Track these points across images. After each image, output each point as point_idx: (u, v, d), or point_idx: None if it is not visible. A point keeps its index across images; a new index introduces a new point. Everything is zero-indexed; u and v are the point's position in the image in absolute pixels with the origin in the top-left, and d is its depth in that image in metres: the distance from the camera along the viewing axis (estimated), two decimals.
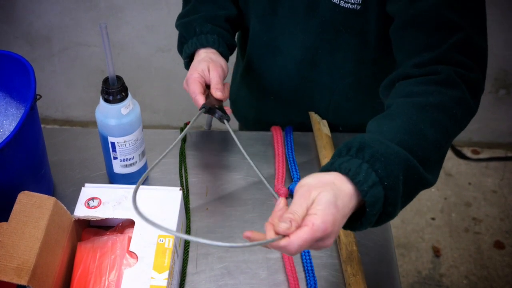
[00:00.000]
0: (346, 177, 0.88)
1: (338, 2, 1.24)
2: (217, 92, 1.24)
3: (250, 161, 1.12)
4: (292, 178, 1.33)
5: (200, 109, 1.22)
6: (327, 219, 0.84)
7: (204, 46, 1.33)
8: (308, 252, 1.20)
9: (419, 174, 0.93)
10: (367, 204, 0.88)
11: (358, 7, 1.22)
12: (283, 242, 0.84)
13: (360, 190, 0.87)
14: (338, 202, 0.85)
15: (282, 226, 0.84)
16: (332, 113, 1.45)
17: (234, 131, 1.21)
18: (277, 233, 0.85)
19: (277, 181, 1.32)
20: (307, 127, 1.45)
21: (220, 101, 1.26)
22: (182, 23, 1.39)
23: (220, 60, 1.32)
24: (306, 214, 0.85)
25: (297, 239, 0.83)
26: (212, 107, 1.22)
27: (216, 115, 1.23)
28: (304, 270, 1.18)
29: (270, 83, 1.48)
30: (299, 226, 0.84)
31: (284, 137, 1.41)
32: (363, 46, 1.31)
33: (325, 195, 0.85)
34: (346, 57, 1.34)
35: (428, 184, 0.96)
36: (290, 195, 1.31)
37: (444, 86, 1.03)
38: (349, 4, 1.23)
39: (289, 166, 1.35)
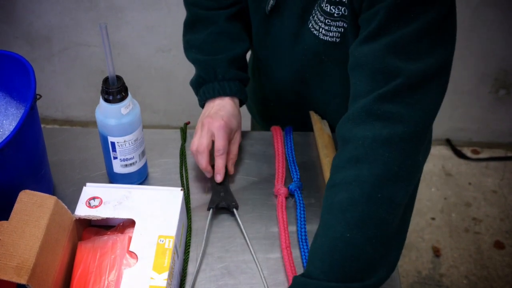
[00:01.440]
0: None
1: (317, 34, 1.24)
2: (217, 176, 1.30)
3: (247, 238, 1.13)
4: (292, 178, 1.33)
5: (208, 210, 1.27)
6: None
7: (227, 94, 1.33)
8: (308, 251, 1.20)
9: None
10: None
11: (337, 39, 1.22)
12: None
13: None
14: None
15: None
16: (331, 121, 1.44)
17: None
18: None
19: (277, 181, 1.32)
20: (309, 127, 1.45)
21: (225, 184, 1.32)
22: (200, 61, 1.37)
23: (235, 115, 1.33)
24: None
25: None
26: (218, 203, 1.27)
27: (225, 205, 1.28)
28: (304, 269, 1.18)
29: (270, 92, 1.51)
30: None
31: (284, 137, 1.41)
32: (345, 73, 1.15)
33: None
34: (332, 81, 1.34)
35: (384, 279, 1.03)
36: (290, 195, 1.31)
37: (389, 119, 1.02)
38: (327, 37, 1.23)
39: (289, 166, 1.36)
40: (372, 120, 1.02)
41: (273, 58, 1.41)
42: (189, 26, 1.42)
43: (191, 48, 1.40)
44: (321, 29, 1.22)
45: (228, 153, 1.31)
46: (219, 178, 1.29)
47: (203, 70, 1.35)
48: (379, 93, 1.02)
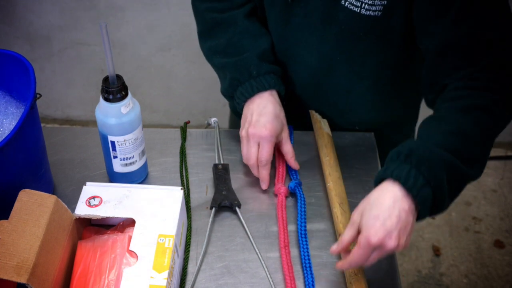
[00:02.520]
0: (396, 182, 1.02)
1: (359, 11, 1.21)
2: (262, 184, 1.31)
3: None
4: (291, 177, 1.33)
5: (211, 208, 1.27)
6: (369, 233, 1.00)
7: (266, 89, 1.31)
8: (307, 249, 1.20)
9: (462, 172, 1.05)
10: (418, 203, 1.02)
11: (379, 13, 1.20)
12: (344, 262, 1.06)
13: (411, 193, 1.01)
14: (376, 212, 1.01)
15: (333, 247, 1.09)
16: (348, 113, 1.43)
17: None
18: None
19: (277, 180, 1.32)
20: (308, 126, 1.45)
21: (227, 183, 1.32)
22: (229, 64, 1.34)
23: (277, 114, 1.30)
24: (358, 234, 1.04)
25: (353, 256, 1.03)
26: (221, 201, 1.28)
27: (227, 203, 1.28)
28: (302, 268, 1.18)
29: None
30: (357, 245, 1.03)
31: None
32: (383, 51, 1.29)
33: (365, 215, 1.03)
34: (364, 62, 1.32)
35: (472, 178, 1.08)
36: (290, 193, 1.31)
37: (484, 90, 1.11)
38: (370, 12, 1.20)
39: (288, 166, 1.35)
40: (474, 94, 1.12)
41: (294, 50, 1.37)
42: (207, 33, 1.41)
43: (215, 54, 1.38)
44: (363, 4, 1.20)
45: (285, 154, 1.32)
46: (264, 186, 1.31)
47: (236, 71, 1.32)
48: (487, 61, 1.13)
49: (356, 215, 1.05)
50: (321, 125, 1.40)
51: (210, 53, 1.39)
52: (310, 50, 1.34)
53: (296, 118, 1.44)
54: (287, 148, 1.32)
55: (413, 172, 1.01)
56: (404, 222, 1.01)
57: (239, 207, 1.27)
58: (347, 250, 1.07)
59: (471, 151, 1.06)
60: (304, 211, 1.27)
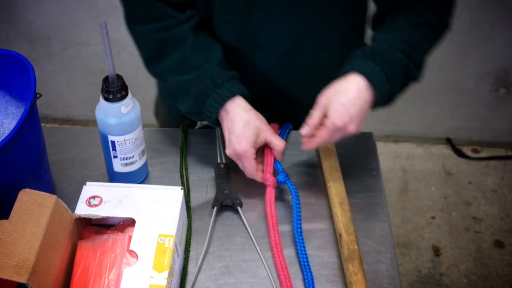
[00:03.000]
0: (361, 76, 1.19)
1: None
2: (280, 157, 1.30)
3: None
4: (277, 170, 1.30)
5: (212, 208, 1.27)
6: (336, 117, 1.16)
7: (234, 94, 1.25)
8: (304, 248, 1.20)
9: (412, 75, 1.25)
10: (378, 95, 1.19)
11: None
12: (310, 142, 1.23)
13: (375, 87, 1.18)
14: (343, 100, 1.17)
15: (303, 131, 1.23)
16: (318, 89, 1.36)
17: None
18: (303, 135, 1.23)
19: (266, 169, 1.29)
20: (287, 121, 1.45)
21: (229, 182, 1.32)
22: (190, 79, 1.28)
23: (251, 120, 1.25)
24: (325, 116, 1.19)
25: (319, 137, 1.21)
26: (222, 201, 1.28)
27: (229, 202, 1.28)
28: (301, 267, 1.18)
29: (251, 85, 1.39)
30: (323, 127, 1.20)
31: (279, 130, 1.41)
32: (348, 16, 1.38)
33: (333, 101, 1.18)
34: (331, 33, 1.37)
35: (416, 80, 1.28)
36: (280, 183, 1.28)
37: (430, 11, 1.30)
38: None
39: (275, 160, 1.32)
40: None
41: (260, 40, 1.36)
42: (155, 56, 1.33)
43: (168, 75, 1.31)
44: None
45: (273, 149, 1.29)
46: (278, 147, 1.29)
47: (201, 85, 1.26)
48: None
49: (324, 99, 1.20)
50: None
51: (162, 75, 1.33)
52: (277, 35, 1.35)
53: (271, 107, 1.43)
54: (274, 143, 1.28)
55: (376, 69, 1.19)
56: (363, 111, 1.19)
57: (241, 207, 1.27)
58: (315, 130, 1.22)
59: (420, 58, 1.27)
60: (298, 205, 1.24)
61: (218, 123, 1.29)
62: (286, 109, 1.48)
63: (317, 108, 1.21)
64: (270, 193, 1.27)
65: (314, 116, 1.21)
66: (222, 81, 1.26)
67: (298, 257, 1.19)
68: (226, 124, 1.26)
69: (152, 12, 1.30)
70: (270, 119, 1.32)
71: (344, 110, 1.16)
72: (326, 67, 1.38)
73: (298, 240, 1.21)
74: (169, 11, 1.30)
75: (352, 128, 1.18)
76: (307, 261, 1.18)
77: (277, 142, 1.27)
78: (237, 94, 1.26)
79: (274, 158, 1.30)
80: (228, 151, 1.26)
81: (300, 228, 1.23)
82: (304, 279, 1.16)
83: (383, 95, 1.20)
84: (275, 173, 1.30)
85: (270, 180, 1.27)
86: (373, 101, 1.20)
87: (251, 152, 1.24)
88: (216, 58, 1.30)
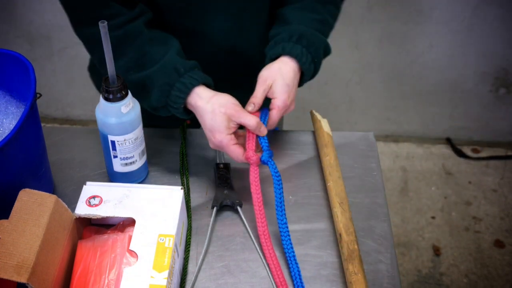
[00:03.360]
0: (293, 59, 1.30)
1: None
2: (261, 132, 1.26)
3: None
4: (261, 146, 1.26)
5: (212, 208, 1.27)
6: (285, 97, 1.27)
7: (198, 82, 1.24)
8: (290, 242, 1.19)
9: (329, 51, 1.39)
10: (305, 74, 1.33)
11: None
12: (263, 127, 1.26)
13: (303, 68, 1.31)
14: (287, 81, 1.28)
15: (248, 108, 1.27)
16: (262, 61, 1.41)
17: None
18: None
19: (248, 147, 1.25)
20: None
21: (229, 182, 1.31)
22: (152, 72, 1.25)
23: (219, 94, 1.25)
24: (270, 97, 1.29)
25: (273, 117, 1.27)
26: (222, 201, 1.27)
27: (229, 202, 1.28)
28: (286, 258, 1.18)
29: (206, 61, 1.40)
30: (270, 108, 1.28)
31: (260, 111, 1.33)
32: None
33: (278, 82, 1.28)
34: (267, 12, 1.45)
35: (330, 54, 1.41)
36: (262, 162, 1.25)
37: None
38: None
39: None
40: None
41: (203, 20, 1.38)
42: (109, 59, 1.23)
43: (129, 72, 1.27)
44: None
45: (248, 129, 1.26)
46: (264, 130, 1.26)
47: (164, 76, 1.24)
48: None
49: (267, 79, 1.28)
50: (321, 125, 1.40)
51: (122, 72, 1.25)
52: (218, 20, 1.39)
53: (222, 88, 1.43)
54: (246, 124, 1.23)
55: (304, 52, 1.30)
56: (296, 89, 1.32)
57: (241, 207, 1.27)
58: (259, 106, 1.28)
59: (329, 34, 1.41)
60: (280, 190, 1.21)
61: (186, 113, 1.28)
62: (244, 75, 1.48)
63: (261, 89, 1.28)
64: (254, 172, 1.23)
65: (258, 94, 1.28)
66: (185, 71, 1.24)
67: (284, 250, 1.19)
68: (198, 119, 1.26)
69: (101, 12, 1.27)
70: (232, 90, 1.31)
71: (289, 90, 1.28)
72: (263, 40, 1.43)
73: (282, 228, 1.19)
74: (118, 8, 1.27)
75: (293, 107, 1.31)
76: (292, 252, 1.18)
77: (248, 121, 1.23)
78: (201, 82, 1.25)
79: (257, 135, 1.26)
80: (210, 144, 1.26)
81: (283, 214, 1.20)
82: (290, 271, 1.16)
83: (309, 75, 1.34)
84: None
85: (252, 158, 1.23)
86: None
87: (227, 140, 1.23)
88: (175, 49, 1.29)
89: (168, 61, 1.25)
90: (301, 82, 1.34)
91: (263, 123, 1.25)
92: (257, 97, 1.28)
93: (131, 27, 1.27)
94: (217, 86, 1.30)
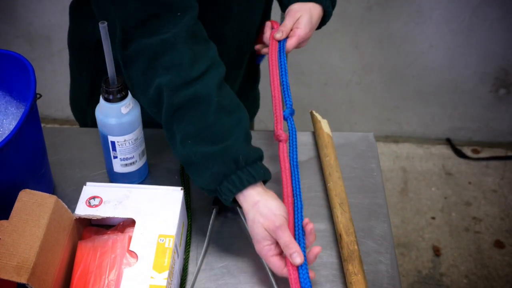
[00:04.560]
0: (320, 5, 1.43)
1: None
2: (297, 259, 1.07)
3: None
4: (285, 103, 1.30)
5: (212, 208, 1.27)
6: (306, 30, 1.41)
7: (256, 181, 1.11)
8: (299, 184, 1.20)
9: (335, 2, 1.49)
10: (325, 19, 1.48)
11: None
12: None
13: (327, 12, 1.45)
14: (312, 20, 1.42)
15: (277, 35, 1.40)
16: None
17: None
18: (273, 39, 1.41)
19: (277, 125, 1.27)
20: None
21: None
22: (210, 154, 1.11)
23: (265, 200, 1.11)
24: (293, 28, 1.41)
25: (290, 44, 1.40)
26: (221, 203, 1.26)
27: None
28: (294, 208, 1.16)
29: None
30: (289, 36, 1.41)
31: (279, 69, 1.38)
32: None
33: (305, 17, 1.41)
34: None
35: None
36: (288, 118, 1.30)
37: None
38: None
39: (283, 93, 1.33)
40: None
41: (220, 30, 1.38)
42: (171, 116, 1.14)
43: (186, 140, 1.13)
44: None
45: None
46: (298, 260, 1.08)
47: (222, 165, 1.11)
48: None
49: (297, 13, 1.41)
50: (321, 125, 1.40)
51: (180, 140, 1.14)
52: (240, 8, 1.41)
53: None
54: (281, 243, 1.08)
55: (329, 2, 1.45)
56: (313, 31, 1.45)
57: (240, 208, 1.27)
58: (287, 34, 1.41)
59: None
60: (295, 145, 1.26)
61: (235, 202, 1.15)
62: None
63: (291, 18, 1.41)
64: (283, 148, 1.24)
65: (288, 24, 1.41)
66: (245, 164, 1.11)
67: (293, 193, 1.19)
68: (251, 203, 1.12)
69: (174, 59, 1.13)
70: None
71: (311, 27, 1.42)
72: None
73: (294, 176, 1.21)
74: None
75: (304, 44, 1.46)
76: (301, 206, 1.16)
77: (283, 241, 1.07)
78: (258, 180, 1.12)
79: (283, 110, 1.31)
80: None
81: (297, 166, 1.23)
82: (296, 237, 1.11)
83: (327, 20, 1.48)
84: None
85: (282, 136, 1.25)
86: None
87: (265, 251, 1.10)
88: (242, 128, 1.15)
89: (230, 147, 1.11)
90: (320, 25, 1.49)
91: (281, 50, 1.39)
92: (286, 26, 1.40)
93: (201, 87, 1.13)
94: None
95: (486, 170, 2.93)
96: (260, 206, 1.10)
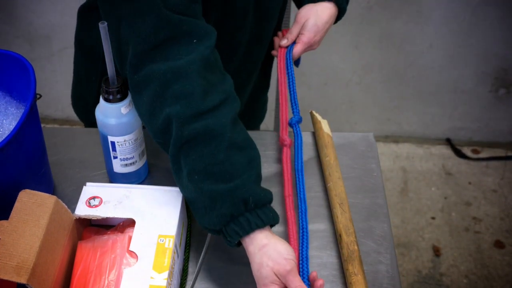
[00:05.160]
0: (333, 3, 1.43)
1: None
2: None
3: None
4: (293, 111, 1.37)
5: None
6: (310, 35, 1.42)
7: (264, 225, 1.05)
8: (303, 186, 1.26)
9: None
10: (340, 14, 1.47)
11: None
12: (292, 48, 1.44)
13: (340, 8, 1.45)
14: (318, 22, 1.41)
15: (282, 42, 1.45)
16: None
17: None
18: (280, 46, 1.46)
19: (282, 130, 1.35)
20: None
21: None
22: (218, 193, 1.05)
23: (273, 243, 1.06)
24: (300, 33, 1.44)
25: (296, 51, 1.43)
26: None
27: None
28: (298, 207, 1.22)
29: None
30: (296, 42, 1.44)
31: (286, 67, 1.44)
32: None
33: (310, 21, 1.41)
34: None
35: None
36: (294, 125, 1.36)
37: None
38: None
39: (291, 100, 1.38)
40: None
41: (233, 38, 1.39)
42: (179, 148, 1.08)
43: (192, 175, 1.06)
44: None
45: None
46: None
47: (231, 206, 1.05)
48: None
49: (302, 18, 1.43)
50: (321, 126, 1.40)
51: (186, 174, 1.08)
52: (246, 32, 1.41)
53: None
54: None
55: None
56: (325, 32, 1.45)
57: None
58: (293, 41, 1.45)
59: None
60: (301, 153, 1.31)
61: (238, 245, 1.10)
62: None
63: (296, 25, 1.44)
64: (286, 153, 1.31)
65: (294, 31, 1.44)
66: (255, 206, 1.06)
67: (297, 195, 1.25)
68: (257, 248, 1.06)
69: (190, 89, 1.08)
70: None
71: (317, 30, 1.42)
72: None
73: (298, 177, 1.27)
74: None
75: (316, 46, 1.47)
76: (305, 206, 1.22)
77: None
78: (267, 224, 1.06)
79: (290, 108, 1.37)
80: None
81: (302, 167, 1.29)
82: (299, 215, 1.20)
83: (344, 13, 1.47)
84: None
85: (286, 141, 1.33)
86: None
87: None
88: (253, 169, 1.09)
89: (241, 187, 1.05)
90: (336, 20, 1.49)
91: (288, 58, 1.43)
92: (292, 33, 1.44)
93: (213, 122, 1.07)
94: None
95: (486, 170, 2.93)
96: (269, 250, 1.04)
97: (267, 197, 1.08)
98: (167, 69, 1.07)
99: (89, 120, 1.56)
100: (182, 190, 1.11)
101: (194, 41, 1.09)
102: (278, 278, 1.03)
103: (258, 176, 1.10)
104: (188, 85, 1.06)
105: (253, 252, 1.05)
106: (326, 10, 1.42)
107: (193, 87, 1.06)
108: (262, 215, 1.06)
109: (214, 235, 1.10)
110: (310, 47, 1.45)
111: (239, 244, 1.08)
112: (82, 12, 1.47)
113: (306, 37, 1.42)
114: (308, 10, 1.42)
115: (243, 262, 1.19)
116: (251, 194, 1.05)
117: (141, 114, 1.13)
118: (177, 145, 1.07)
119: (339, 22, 1.49)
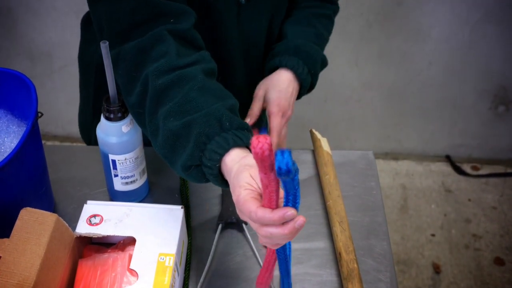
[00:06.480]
0: (289, 70, 1.39)
1: None
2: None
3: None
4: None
5: (217, 225, 1.28)
6: (277, 102, 1.37)
7: (243, 143, 0.99)
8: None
9: (326, 63, 1.48)
10: (303, 86, 1.42)
11: None
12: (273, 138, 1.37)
13: (300, 78, 1.40)
14: (279, 88, 1.38)
15: (246, 120, 1.36)
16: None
17: None
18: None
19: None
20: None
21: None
22: (193, 119, 1.00)
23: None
24: (265, 107, 1.39)
25: (271, 125, 1.38)
26: (228, 218, 1.28)
27: (234, 220, 1.28)
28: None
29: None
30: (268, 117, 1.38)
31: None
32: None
33: (270, 91, 1.38)
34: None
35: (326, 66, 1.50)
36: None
37: (327, 2, 1.54)
38: None
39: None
40: None
41: (240, 53, 1.39)
42: (156, 101, 1.06)
43: (169, 117, 1.03)
44: None
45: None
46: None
47: (205, 125, 1.00)
48: None
49: (261, 92, 1.39)
50: (321, 144, 1.41)
51: (163, 119, 1.04)
52: (254, 48, 1.44)
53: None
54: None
55: (301, 63, 1.39)
56: (294, 97, 1.41)
57: (246, 224, 1.27)
58: (257, 119, 1.38)
59: (324, 47, 1.50)
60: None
61: (222, 181, 1.01)
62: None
63: (256, 101, 1.39)
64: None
65: (255, 108, 1.38)
66: (231, 127, 1.00)
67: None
68: (235, 167, 0.97)
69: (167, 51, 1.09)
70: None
71: (281, 96, 1.37)
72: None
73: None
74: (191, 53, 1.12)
75: (290, 113, 1.40)
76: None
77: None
78: (246, 143, 0.99)
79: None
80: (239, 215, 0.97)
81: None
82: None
83: (307, 86, 1.42)
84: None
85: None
86: (298, 91, 1.42)
87: (244, 195, 0.91)
88: (227, 103, 1.05)
89: (214, 110, 1.01)
90: (299, 95, 1.44)
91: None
92: (253, 110, 1.38)
93: (189, 71, 1.08)
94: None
95: (486, 187, 2.93)
96: (249, 158, 0.95)
97: (244, 124, 1.03)
98: (144, 39, 1.09)
99: (89, 138, 1.57)
100: (158, 149, 1.06)
101: (171, 20, 1.12)
102: (255, 181, 0.91)
103: (233, 108, 1.06)
104: (164, 46, 1.09)
105: (231, 166, 0.96)
106: (282, 76, 1.39)
107: (168, 47, 1.09)
108: (240, 135, 0.99)
109: (196, 181, 1.04)
110: (283, 115, 1.38)
111: (223, 178, 1.00)
112: (84, 22, 1.52)
113: (273, 106, 1.37)
114: (264, 82, 1.40)
115: (245, 280, 1.19)
116: (225, 116, 1.01)
117: (121, 87, 1.13)
118: (153, 100, 1.05)
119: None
